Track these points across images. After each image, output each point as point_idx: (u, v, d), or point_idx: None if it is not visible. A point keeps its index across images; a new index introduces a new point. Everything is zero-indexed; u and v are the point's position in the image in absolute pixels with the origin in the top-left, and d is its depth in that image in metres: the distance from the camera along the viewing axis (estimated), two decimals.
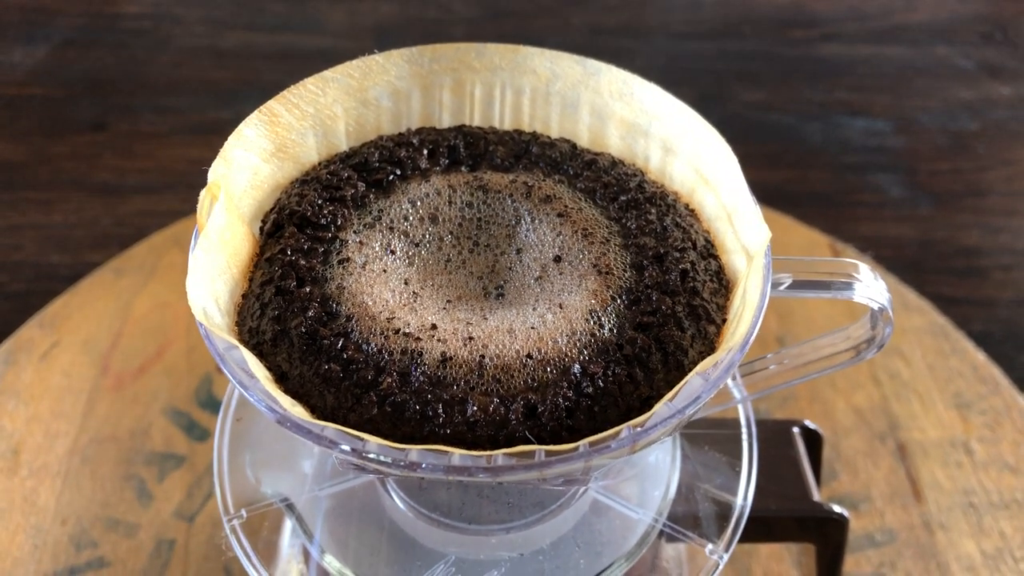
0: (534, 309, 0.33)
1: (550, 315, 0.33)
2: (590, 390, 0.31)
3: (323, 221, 0.36)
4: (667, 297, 0.33)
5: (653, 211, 0.36)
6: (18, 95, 0.88)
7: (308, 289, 0.33)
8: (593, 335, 0.32)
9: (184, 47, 0.93)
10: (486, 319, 0.33)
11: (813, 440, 0.48)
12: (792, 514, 0.44)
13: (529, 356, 0.31)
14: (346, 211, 0.36)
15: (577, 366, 0.31)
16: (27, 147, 0.83)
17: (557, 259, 0.35)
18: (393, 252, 0.35)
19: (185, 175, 0.80)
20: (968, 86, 0.91)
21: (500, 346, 0.32)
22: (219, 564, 0.52)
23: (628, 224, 0.36)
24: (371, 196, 0.37)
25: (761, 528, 0.43)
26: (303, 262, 0.34)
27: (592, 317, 0.33)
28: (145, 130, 0.85)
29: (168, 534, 0.54)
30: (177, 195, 0.78)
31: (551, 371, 0.31)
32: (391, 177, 0.38)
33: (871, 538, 0.54)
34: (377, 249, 0.35)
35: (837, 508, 0.44)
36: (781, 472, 0.45)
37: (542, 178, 0.38)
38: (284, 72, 0.39)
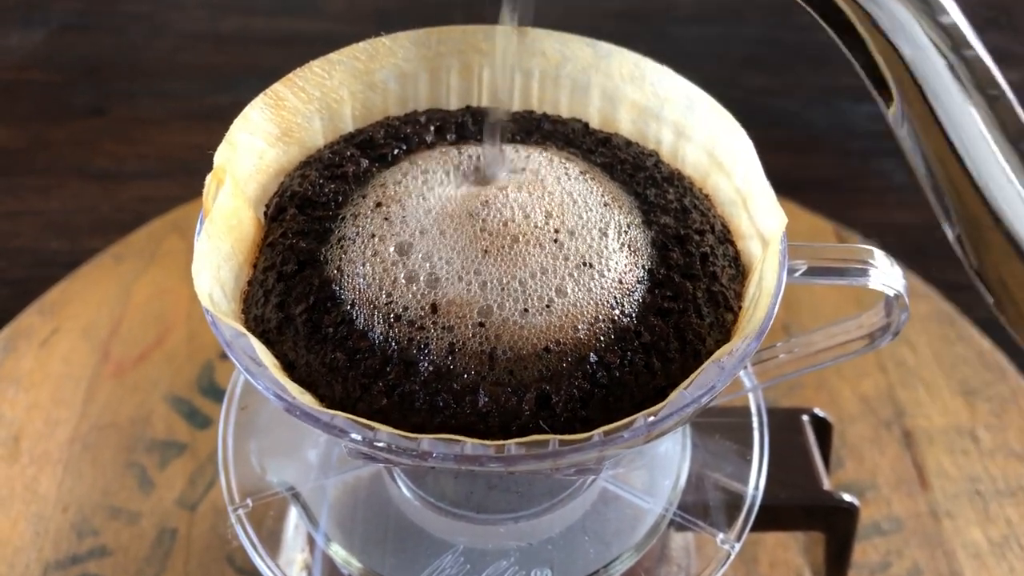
0: (551, 289, 0.31)
1: (569, 289, 0.31)
2: (605, 380, 0.30)
3: (323, 200, 0.34)
4: (688, 282, 0.32)
5: (671, 191, 0.35)
6: (16, 80, 0.87)
7: (308, 273, 0.32)
8: (613, 321, 0.31)
9: (183, 32, 0.92)
10: (501, 297, 0.32)
11: (822, 428, 0.48)
12: (802, 503, 0.44)
13: (547, 349, 0.30)
14: (347, 188, 0.35)
15: (593, 355, 0.30)
16: (25, 132, 0.82)
17: (571, 233, 0.33)
18: (387, 219, 0.33)
19: (184, 160, 0.79)
20: None
21: (513, 336, 0.30)
22: (222, 553, 0.52)
23: (650, 200, 0.34)
24: (374, 170, 0.36)
25: (769, 517, 0.43)
26: (303, 244, 0.33)
27: (615, 302, 0.31)
28: (144, 115, 0.84)
29: (170, 523, 0.53)
30: (176, 181, 0.77)
31: (567, 361, 0.30)
32: (396, 152, 0.36)
33: (877, 526, 0.54)
34: (376, 223, 0.33)
35: (847, 497, 0.44)
36: (791, 461, 0.44)
37: (556, 151, 0.37)
38: (283, 57, 0.38)
